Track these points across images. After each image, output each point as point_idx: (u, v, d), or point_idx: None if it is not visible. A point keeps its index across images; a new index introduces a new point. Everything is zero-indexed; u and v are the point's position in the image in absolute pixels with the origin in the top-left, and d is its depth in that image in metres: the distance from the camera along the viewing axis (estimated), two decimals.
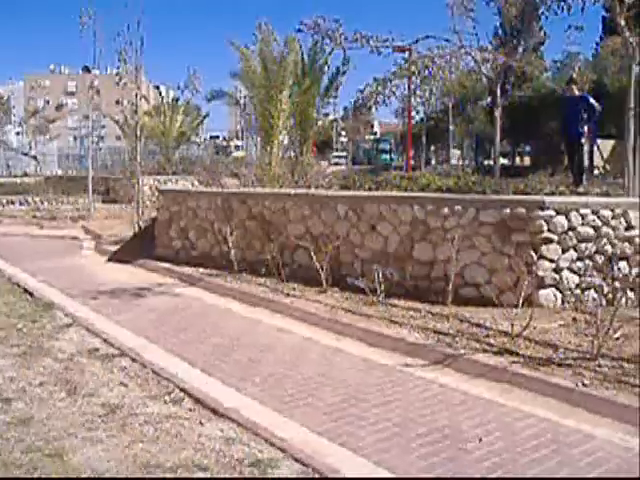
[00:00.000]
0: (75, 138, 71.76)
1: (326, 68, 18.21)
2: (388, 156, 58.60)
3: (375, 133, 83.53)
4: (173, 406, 4.88)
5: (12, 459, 3.87)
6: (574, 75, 14.18)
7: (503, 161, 45.98)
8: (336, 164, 48.70)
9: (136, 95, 15.21)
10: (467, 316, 7.01)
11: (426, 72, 13.33)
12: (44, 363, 5.82)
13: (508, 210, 7.46)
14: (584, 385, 5.03)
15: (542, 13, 11.27)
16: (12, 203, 24.93)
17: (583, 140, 12.67)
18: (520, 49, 42.36)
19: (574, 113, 12.37)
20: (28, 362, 5.82)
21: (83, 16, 18.55)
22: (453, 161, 55.40)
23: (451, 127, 51.28)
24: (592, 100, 12.90)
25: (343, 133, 70.95)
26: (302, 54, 18.13)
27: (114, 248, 13.21)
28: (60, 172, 41.86)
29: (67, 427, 4.39)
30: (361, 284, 7.99)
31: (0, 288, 9.26)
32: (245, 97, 22.28)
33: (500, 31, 48.41)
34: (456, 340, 6.25)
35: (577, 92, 12.69)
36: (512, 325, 6.20)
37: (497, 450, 4.15)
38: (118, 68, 15.42)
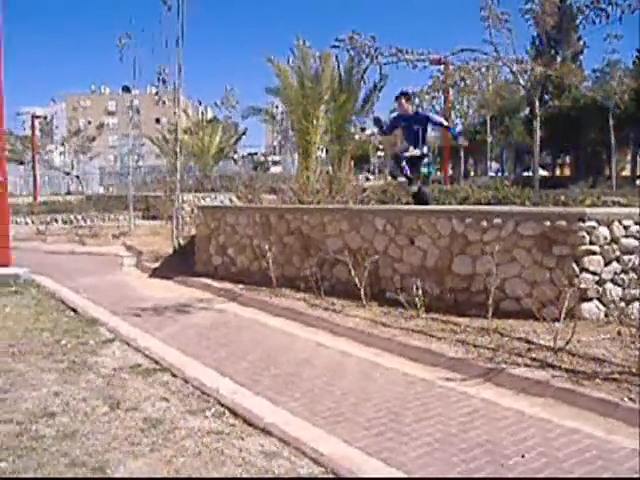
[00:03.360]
0: (115, 157, 73.09)
1: (362, 83, 18.29)
2: (426, 169, 58.39)
3: None
4: (214, 421, 4.91)
5: (57, 473, 3.94)
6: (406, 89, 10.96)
7: (543, 172, 45.47)
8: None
9: (175, 113, 15.45)
10: (508, 330, 6.92)
11: (463, 84, 13.26)
12: (87, 378, 5.91)
13: (548, 222, 7.36)
14: (630, 400, 4.92)
15: (580, 23, 11.12)
16: (56, 221, 25.53)
17: (420, 164, 10.59)
18: (558, 59, 41.93)
19: (411, 135, 10.24)
20: (72, 377, 5.92)
21: (122, 37, 19.08)
22: (491, 173, 55.01)
23: (489, 139, 50.92)
24: (434, 116, 11.08)
25: (380, 147, 70.96)
26: (339, 70, 18.24)
27: (155, 265, 13.38)
28: (101, 190, 42.77)
29: (110, 441, 4.44)
30: (400, 298, 7.96)
31: (44, 304, 9.43)
32: (282, 113, 22.49)
33: (537, 41, 48.18)
34: (497, 354, 6.17)
35: (410, 108, 10.48)
36: (555, 339, 6.10)
37: (540, 467, 4.08)
38: (157, 87, 15.73)
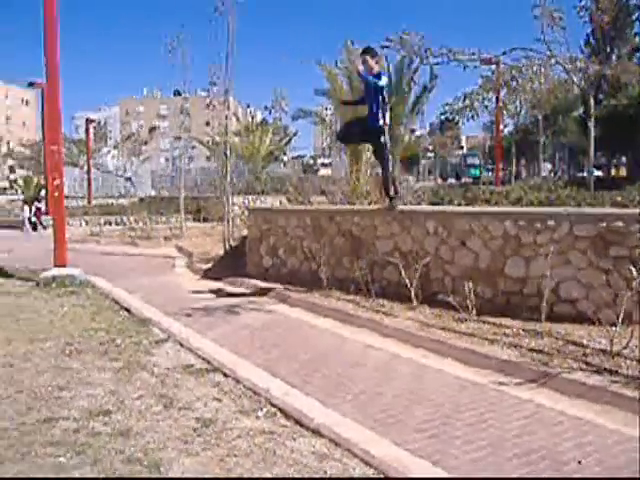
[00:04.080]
0: (167, 159, 74.32)
1: (413, 84, 18.18)
2: (477, 170, 57.79)
3: (462, 147, 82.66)
4: (265, 421, 4.94)
5: (113, 470, 4.01)
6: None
7: (597, 173, 44.50)
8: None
9: (226, 117, 15.61)
10: (563, 333, 6.80)
11: (514, 84, 13.03)
12: (141, 377, 6.01)
13: (604, 224, 7.20)
14: None
15: (637, 19, 10.82)
16: (109, 223, 26.11)
17: (383, 138, 9.39)
18: (614, 56, 40.94)
19: (371, 97, 8.92)
20: (126, 376, 6.02)
21: (174, 42, 19.44)
22: (544, 174, 54.09)
23: (541, 139, 50.06)
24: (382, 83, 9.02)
25: (430, 148, 70.54)
26: (388, 70, 18.17)
27: (206, 266, 13.53)
28: (153, 193, 43.44)
29: (164, 439, 4.51)
30: (451, 300, 7.88)
31: (99, 304, 9.63)
32: (332, 114, 22.50)
33: (592, 39, 47.17)
34: (552, 358, 6.06)
35: (375, 68, 8.96)
36: (611, 343, 5.96)
37: (597, 473, 3.99)
38: (208, 91, 15.94)
